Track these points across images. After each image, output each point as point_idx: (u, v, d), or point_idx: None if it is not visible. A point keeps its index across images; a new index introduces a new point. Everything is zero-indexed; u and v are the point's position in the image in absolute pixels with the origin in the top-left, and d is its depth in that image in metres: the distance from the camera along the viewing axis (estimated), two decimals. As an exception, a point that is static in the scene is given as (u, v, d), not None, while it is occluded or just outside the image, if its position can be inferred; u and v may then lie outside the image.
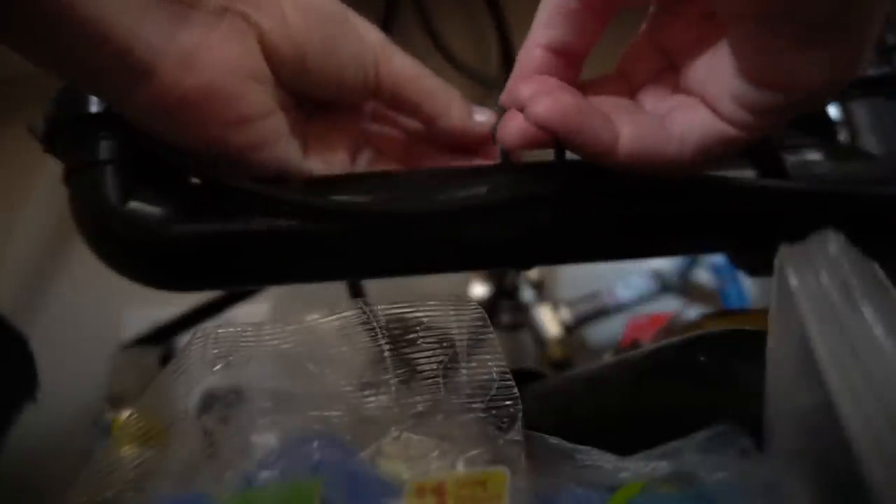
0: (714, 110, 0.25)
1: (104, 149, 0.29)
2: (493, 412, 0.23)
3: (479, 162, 0.34)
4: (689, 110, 0.25)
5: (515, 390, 0.24)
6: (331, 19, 0.29)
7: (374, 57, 0.30)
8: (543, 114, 0.24)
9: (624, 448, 0.24)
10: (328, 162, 0.31)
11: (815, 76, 0.22)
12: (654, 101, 0.28)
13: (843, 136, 0.33)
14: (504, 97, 0.28)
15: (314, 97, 0.30)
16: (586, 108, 0.25)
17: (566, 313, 0.69)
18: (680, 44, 0.26)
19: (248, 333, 0.25)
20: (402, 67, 0.31)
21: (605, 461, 0.23)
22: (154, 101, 0.25)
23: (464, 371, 0.24)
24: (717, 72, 0.24)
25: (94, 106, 0.29)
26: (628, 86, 0.29)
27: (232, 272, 0.31)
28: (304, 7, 0.28)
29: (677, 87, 0.27)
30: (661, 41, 0.27)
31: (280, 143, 0.29)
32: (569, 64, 0.28)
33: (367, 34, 0.30)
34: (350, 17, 0.30)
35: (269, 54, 0.27)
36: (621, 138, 0.25)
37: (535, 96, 0.24)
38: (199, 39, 0.25)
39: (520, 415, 0.23)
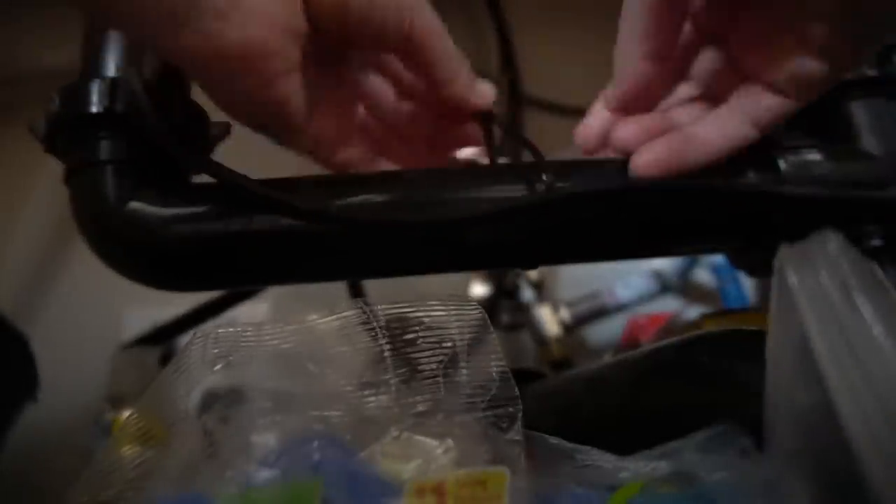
0: (776, 89, 0.28)
1: (104, 149, 0.29)
2: (493, 412, 0.23)
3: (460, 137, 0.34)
4: (755, 96, 0.28)
5: (515, 390, 0.24)
6: None
7: (410, 3, 0.30)
8: (651, 171, 0.29)
9: (624, 448, 0.24)
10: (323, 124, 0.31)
11: (873, 42, 0.27)
12: (706, 87, 0.31)
13: (843, 137, 0.33)
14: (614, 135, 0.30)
15: (353, 44, 0.30)
16: (681, 146, 0.29)
17: (566, 313, 0.69)
18: (733, 33, 0.29)
19: (248, 333, 0.25)
20: (433, 21, 0.31)
21: (605, 461, 0.23)
22: (193, 49, 0.25)
23: (464, 371, 0.24)
24: (779, 54, 0.27)
25: (95, 106, 0.29)
26: (680, 76, 0.32)
27: (232, 272, 0.31)
28: None
29: (726, 70, 0.30)
30: (712, 29, 0.30)
31: (298, 96, 0.29)
32: (664, 67, 0.30)
33: None
34: None
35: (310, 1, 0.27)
36: (711, 145, 0.29)
37: (637, 158, 0.29)
38: None
39: (520, 415, 0.23)
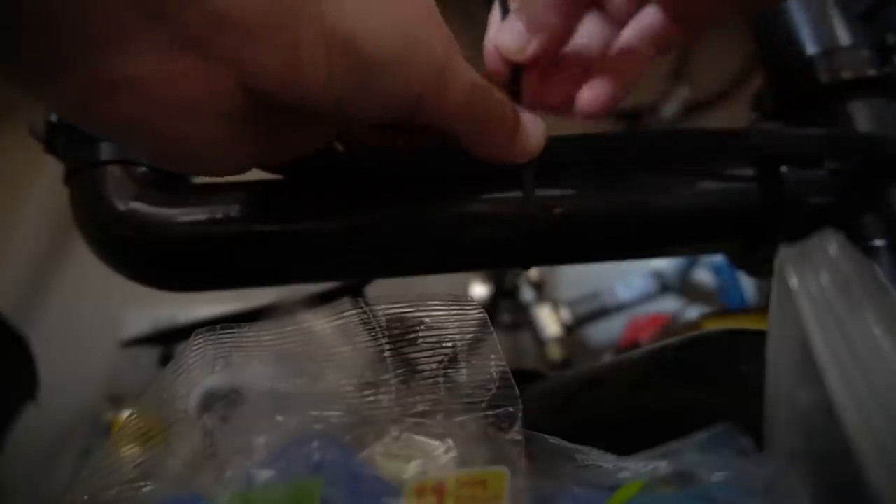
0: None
1: (105, 149, 0.29)
2: (493, 412, 0.23)
3: None
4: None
5: (515, 390, 0.23)
6: None
7: None
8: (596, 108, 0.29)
9: (624, 448, 0.24)
10: None
11: None
12: None
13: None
14: None
15: None
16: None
17: (566, 313, 0.69)
18: None
19: (248, 333, 0.25)
20: None
21: (605, 461, 0.23)
22: None
23: (464, 371, 0.24)
24: None
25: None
26: None
27: (232, 272, 0.31)
28: None
29: None
30: None
31: None
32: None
33: None
34: None
35: None
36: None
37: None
38: None
39: (520, 415, 0.23)
